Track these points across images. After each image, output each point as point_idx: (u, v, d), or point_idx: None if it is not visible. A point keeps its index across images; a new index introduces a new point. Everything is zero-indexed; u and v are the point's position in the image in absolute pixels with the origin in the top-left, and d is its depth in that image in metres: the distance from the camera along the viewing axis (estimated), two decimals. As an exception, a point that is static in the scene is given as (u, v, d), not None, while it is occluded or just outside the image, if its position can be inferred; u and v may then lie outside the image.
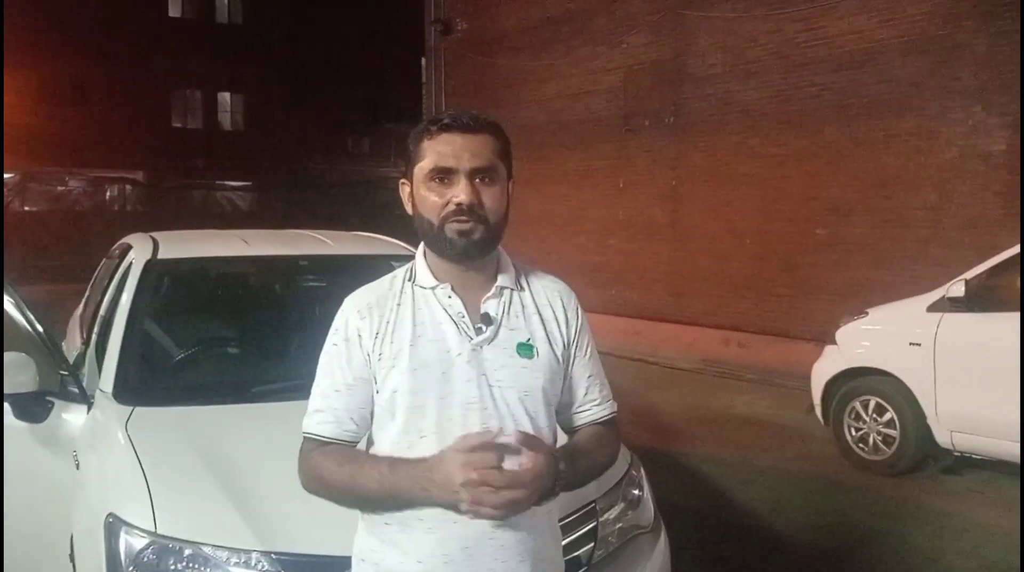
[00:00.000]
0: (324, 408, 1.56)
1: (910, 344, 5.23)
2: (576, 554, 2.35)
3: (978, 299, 4.93)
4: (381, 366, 1.52)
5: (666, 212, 10.61)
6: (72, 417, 2.84)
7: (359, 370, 1.54)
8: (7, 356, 2.81)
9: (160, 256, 3.36)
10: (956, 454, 5.19)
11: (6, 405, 2.81)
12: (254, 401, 2.77)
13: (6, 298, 2.96)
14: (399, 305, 1.56)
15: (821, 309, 8.46)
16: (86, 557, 2.28)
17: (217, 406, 2.76)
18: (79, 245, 17.48)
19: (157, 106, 27.92)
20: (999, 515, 4.73)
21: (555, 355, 1.58)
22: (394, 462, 1.47)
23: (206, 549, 2.11)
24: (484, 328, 1.54)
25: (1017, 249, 4.93)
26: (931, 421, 5.13)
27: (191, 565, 2.12)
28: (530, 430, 1.50)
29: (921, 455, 5.29)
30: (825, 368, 5.78)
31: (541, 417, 1.55)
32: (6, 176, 23.57)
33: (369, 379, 1.54)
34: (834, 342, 5.80)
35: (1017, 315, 4.80)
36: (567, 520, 2.32)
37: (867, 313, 5.68)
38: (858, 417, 5.52)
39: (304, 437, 1.58)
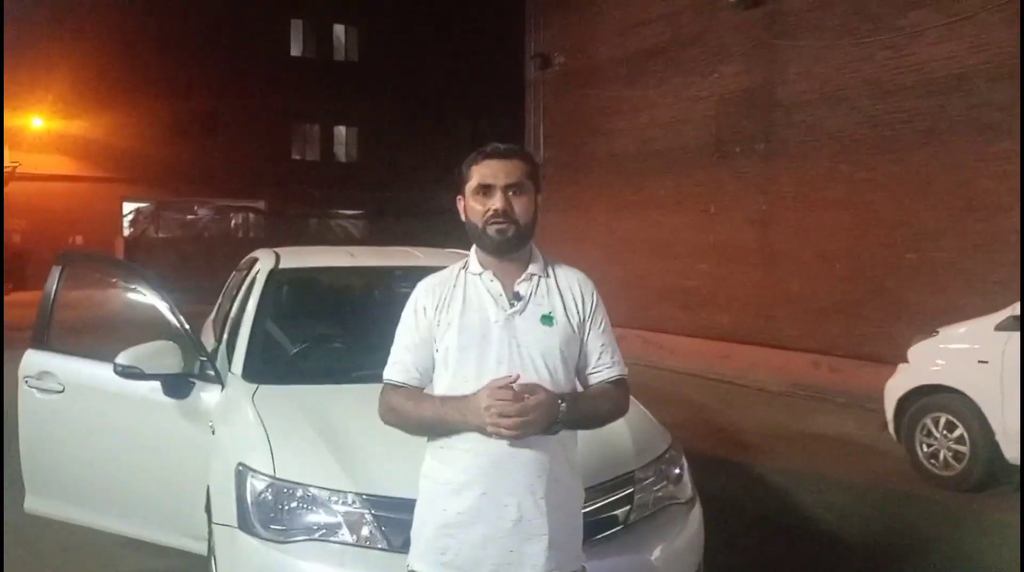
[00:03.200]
0: (398, 361, 2.10)
1: (978, 362, 5.37)
2: (614, 513, 2.78)
3: (1043, 318, 5.05)
4: (439, 330, 2.05)
5: (756, 236, 10.80)
6: (209, 395, 3.47)
7: (424, 333, 2.07)
8: (159, 343, 3.48)
9: (281, 266, 4.00)
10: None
11: (158, 383, 3.47)
12: (354, 383, 3.33)
13: (160, 297, 3.64)
14: (455, 286, 2.09)
15: (911, 333, 8.48)
16: (222, 500, 2.86)
17: (324, 385, 3.34)
18: (205, 268, 18.72)
19: (278, 139, 29.61)
20: (1066, 530, 4.81)
21: (571, 325, 2.07)
22: (444, 399, 2.02)
23: (311, 490, 2.66)
24: (516, 303, 2.05)
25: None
26: (999, 438, 5.25)
27: (300, 503, 2.67)
28: (548, 380, 1.99)
29: (990, 471, 5.38)
30: (897, 385, 5.94)
31: (559, 372, 2.03)
32: (143, 205, 25.68)
33: (430, 340, 2.07)
34: (906, 360, 5.96)
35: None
36: (607, 482, 2.76)
37: (938, 332, 5.84)
38: (929, 433, 5.67)
39: (384, 382, 2.10)
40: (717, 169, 11.23)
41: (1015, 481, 5.41)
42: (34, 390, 3.87)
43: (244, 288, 4.24)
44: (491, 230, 2.03)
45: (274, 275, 3.94)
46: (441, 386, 2.07)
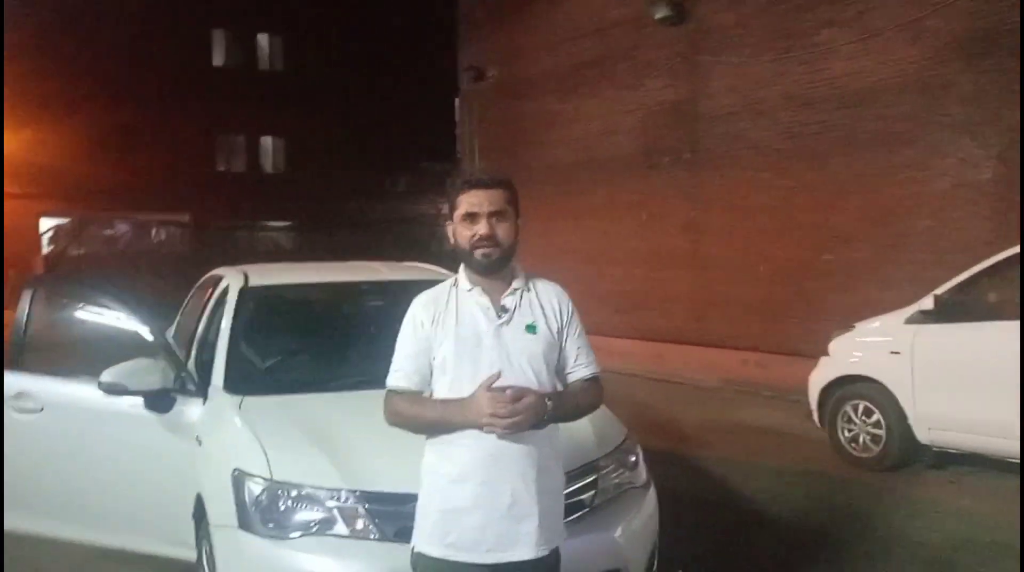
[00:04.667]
0: (400, 369, 2.38)
1: (891, 353, 5.90)
2: (581, 497, 3.11)
3: (946, 311, 5.60)
4: (436, 341, 2.34)
5: (687, 242, 11.33)
6: (190, 409, 3.68)
7: (422, 344, 2.36)
8: (140, 361, 3.67)
9: (251, 284, 4.21)
10: (935, 450, 5.83)
11: (137, 398, 3.66)
12: (334, 391, 3.59)
13: (138, 318, 3.83)
14: (447, 302, 2.39)
15: (830, 329, 9.07)
16: (219, 504, 3.08)
17: (306, 394, 3.59)
18: (127, 285, 18.33)
19: (203, 151, 29.11)
20: (971, 501, 5.36)
21: (552, 333, 2.39)
22: (445, 401, 2.32)
23: (307, 489, 2.91)
24: (503, 315, 2.35)
25: (977, 268, 5.61)
26: (911, 421, 5.78)
27: (297, 503, 2.92)
28: (534, 381, 2.30)
29: (905, 452, 5.92)
30: (819, 377, 6.46)
31: (543, 374, 2.35)
32: (62, 222, 25.01)
33: (428, 350, 2.36)
34: (827, 353, 6.48)
35: (981, 325, 5.48)
36: (574, 471, 3.09)
37: (854, 326, 6.37)
38: (849, 420, 6.18)
39: (388, 389, 2.38)
40: (648, 178, 11.73)
41: (927, 459, 5.95)
42: (11, 410, 4.00)
43: (211, 306, 4.44)
44: (478, 253, 2.34)
45: (245, 292, 4.15)
46: (441, 390, 2.36)
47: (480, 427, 2.22)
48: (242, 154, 31.59)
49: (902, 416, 5.83)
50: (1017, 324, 5.38)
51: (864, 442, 6.09)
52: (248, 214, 29.82)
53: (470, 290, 2.39)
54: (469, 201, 2.35)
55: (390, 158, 33.84)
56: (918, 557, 4.51)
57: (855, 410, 6.14)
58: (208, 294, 4.66)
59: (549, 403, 2.27)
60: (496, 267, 2.37)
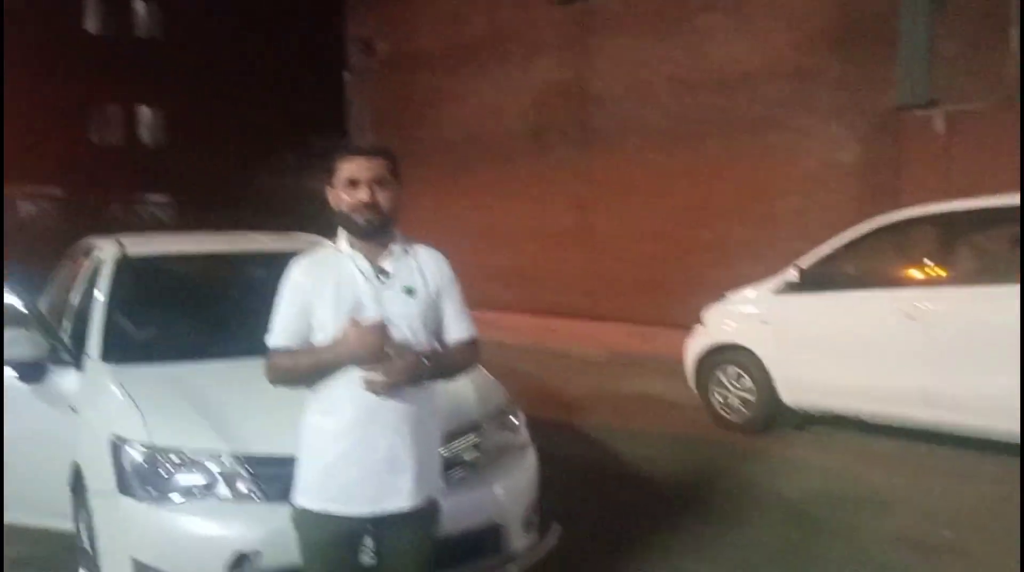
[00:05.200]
0: (280, 330, 2.42)
1: (760, 322, 6.27)
2: (463, 456, 3.22)
3: (809, 282, 6.00)
4: (316, 302, 2.38)
5: (575, 219, 11.63)
6: (64, 378, 3.59)
7: (301, 305, 2.41)
8: (11, 331, 3.56)
9: (128, 253, 4.12)
10: (799, 412, 6.25)
11: (10, 370, 3.55)
12: (212, 359, 3.58)
13: (8, 288, 3.69)
14: (328, 265, 2.44)
15: (708, 301, 9.54)
16: (98, 471, 3.04)
17: (184, 363, 3.55)
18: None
19: (75, 122, 27.67)
20: (832, 458, 5.79)
21: (430, 295, 2.47)
22: (318, 347, 2.38)
23: (187, 454, 2.92)
24: (383, 278, 2.42)
25: (837, 242, 6.04)
26: (777, 384, 6.18)
27: (177, 468, 2.92)
28: (412, 341, 2.38)
29: (772, 414, 6.31)
30: (695, 345, 6.79)
31: (421, 334, 2.43)
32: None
33: (308, 312, 2.40)
34: (702, 323, 6.82)
35: (840, 294, 5.91)
36: (457, 430, 3.20)
37: (727, 297, 6.72)
38: (722, 385, 6.54)
39: (270, 349, 2.41)
40: (539, 157, 11.94)
41: (792, 421, 6.37)
42: None
43: (83, 275, 4.31)
44: (359, 218, 2.39)
45: (120, 261, 4.06)
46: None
47: (361, 364, 2.28)
48: (118, 125, 30.14)
49: (769, 381, 6.21)
50: (872, 293, 5.85)
51: (735, 406, 6.45)
52: (125, 188, 28.54)
53: (350, 254, 2.44)
54: (350, 168, 2.40)
55: (277, 132, 32.95)
56: (780, 509, 4.85)
57: (727, 376, 6.50)
58: (80, 264, 4.51)
59: (427, 362, 2.36)
60: (377, 232, 2.43)
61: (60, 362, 3.60)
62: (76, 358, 3.61)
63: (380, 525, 2.41)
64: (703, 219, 9.98)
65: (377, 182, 2.40)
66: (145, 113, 30.29)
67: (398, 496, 2.38)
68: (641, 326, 10.69)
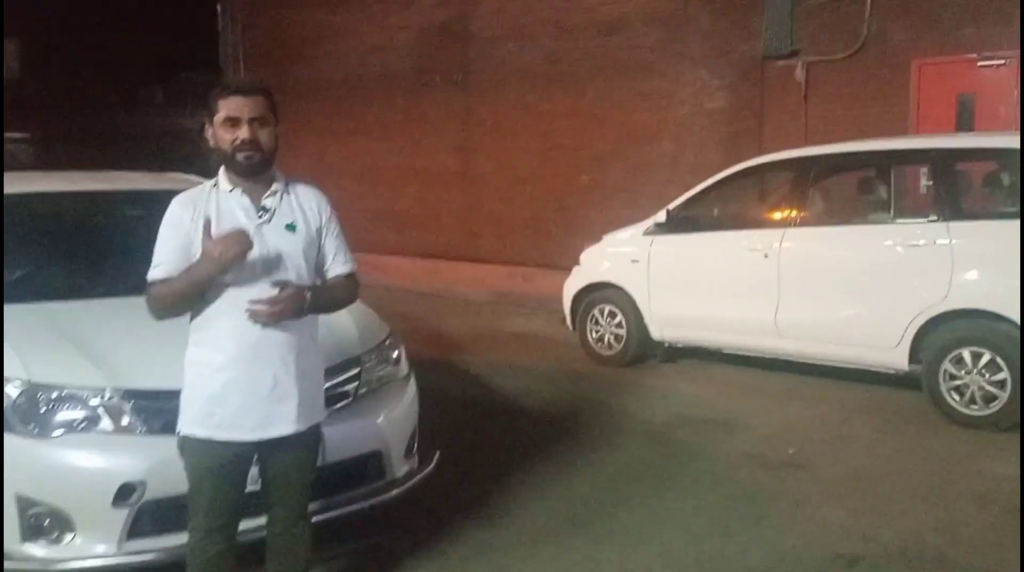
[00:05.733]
0: (160, 263, 2.49)
1: (632, 261, 6.62)
2: (345, 389, 3.38)
3: (676, 224, 6.37)
4: (197, 238, 2.45)
5: (458, 162, 11.69)
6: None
7: (182, 240, 2.48)
8: None
9: (-3, 191, 3.99)
10: (666, 345, 6.68)
11: None
12: (88, 298, 3.57)
13: None
14: (208, 201, 2.51)
15: (585, 245, 9.90)
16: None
17: (60, 302, 3.53)
18: None
19: (-83, 50, 25.43)
20: (693, 386, 6.24)
21: (311, 232, 2.58)
22: (189, 267, 2.44)
23: (68, 390, 2.95)
24: (264, 215, 2.51)
25: (702, 186, 6.42)
26: (647, 320, 6.57)
27: (58, 404, 2.95)
28: (294, 276, 2.49)
29: (642, 348, 6.71)
30: (572, 284, 7.11)
31: (303, 269, 2.55)
32: None
33: (188, 246, 2.47)
34: (579, 263, 7.13)
35: (704, 235, 6.32)
36: (339, 364, 3.34)
37: (603, 239, 7.04)
38: (597, 322, 6.89)
39: (149, 283, 2.48)
40: (420, 98, 11.89)
41: (660, 355, 6.80)
42: None
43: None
44: (240, 156, 2.46)
45: (-13, 200, 3.94)
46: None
47: (218, 270, 2.37)
48: (-38, 54, 27.82)
49: (639, 317, 6.60)
50: (731, 233, 6.28)
51: (608, 341, 6.83)
52: (-25, 124, 26.51)
53: (231, 191, 2.52)
54: (229, 106, 2.46)
55: (145, 66, 31.21)
56: (644, 432, 5.25)
57: (601, 313, 6.85)
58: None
59: (308, 294, 2.49)
60: (257, 170, 2.51)
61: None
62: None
63: (265, 450, 2.55)
64: (581, 163, 10.24)
65: (257, 120, 2.47)
66: (-4, 43, 28.06)
67: (282, 422, 2.52)
68: (521, 268, 10.93)
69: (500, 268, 11.15)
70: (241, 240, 2.36)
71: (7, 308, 3.34)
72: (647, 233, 6.57)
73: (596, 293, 6.91)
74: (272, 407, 2.50)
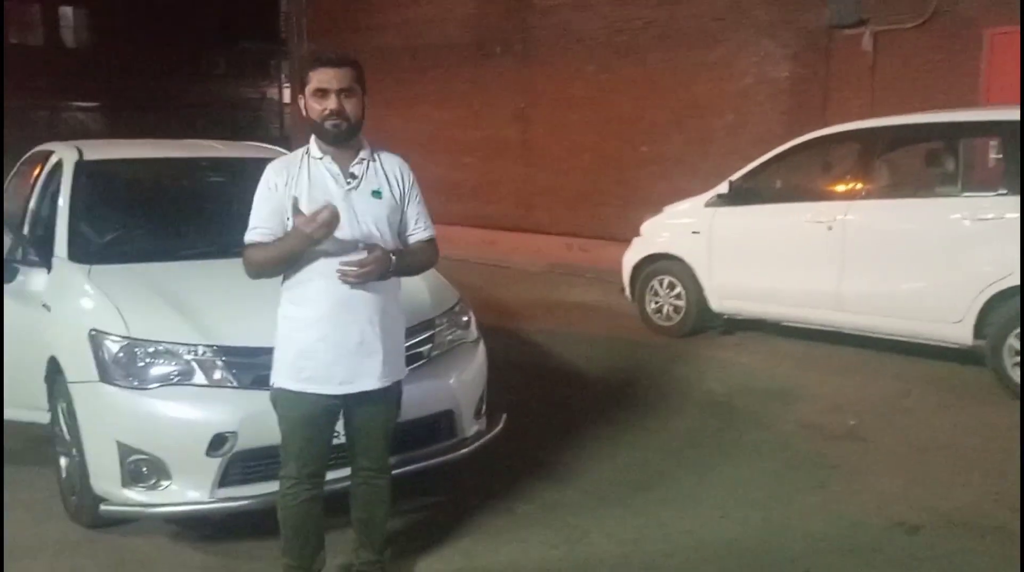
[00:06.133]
0: (255, 227, 2.65)
1: (692, 233, 6.65)
2: (420, 350, 3.52)
3: (738, 195, 6.37)
4: (290, 202, 2.60)
5: (516, 132, 11.76)
6: (35, 278, 3.75)
7: (276, 204, 2.64)
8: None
9: (87, 158, 4.22)
10: (725, 317, 6.71)
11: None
12: (180, 260, 3.78)
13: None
14: (300, 168, 2.66)
15: (645, 215, 9.91)
16: (78, 362, 3.24)
17: (152, 263, 3.74)
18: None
19: (-9, 21, 26.23)
20: (753, 358, 6.27)
21: (395, 198, 2.72)
22: (283, 237, 2.60)
23: (165, 345, 3.15)
24: (351, 181, 2.65)
25: (765, 157, 6.39)
26: (707, 291, 6.61)
27: (155, 358, 3.15)
28: (379, 240, 2.64)
29: (701, 319, 6.75)
30: (632, 255, 7.17)
31: (387, 234, 2.69)
32: None
33: (282, 211, 2.63)
34: (639, 234, 7.18)
35: (766, 207, 6.31)
36: (414, 327, 3.48)
37: (663, 210, 7.07)
38: (655, 293, 6.94)
39: (246, 244, 2.64)
40: (480, 68, 11.96)
41: (719, 326, 6.84)
42: None
43: (42, 181, 4.40)
44: (328, 125, 2.60)
45: (81, 166, 4.16)
46: None
47: (309, 243, 2.51)
48: (38, 25, 28.71)
49: (699, 288, 6.63)
50: (794, 205, 6.26)
51: (667, 312, 6.88)
52: (47, 93, 27.39)
53: (321, 158, 2.66)
54: (319, 78, 2.59)
55: (208, 36, 31.78)
56: (704, 401, 5.32)
57: (660, 284, 6.90)
58: (38, 170, 4.58)
59: (393, 258, 2.62)
60: (345, 138, 2.64)
61: (29, 263, 3.75)
62: (45, 259, 3.76)
63: (351, 403, 2.71)
64: (641, 134, 10.23)
65: (345, 91, 2.60)
66: (67, 13, 28.87)
67: (368, 377, 2.68)
68: (579, 238, 11.00)
69: (556, 239, 11.24)
70: (329, 219, 2.48)
71: (112, 268, 3.55)
72: (708, 205, 6.58)
73: (656, 264, 6.96)
74: (358, 363, 2.65)
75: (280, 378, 2.69)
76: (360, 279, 2.55)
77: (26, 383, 3.69)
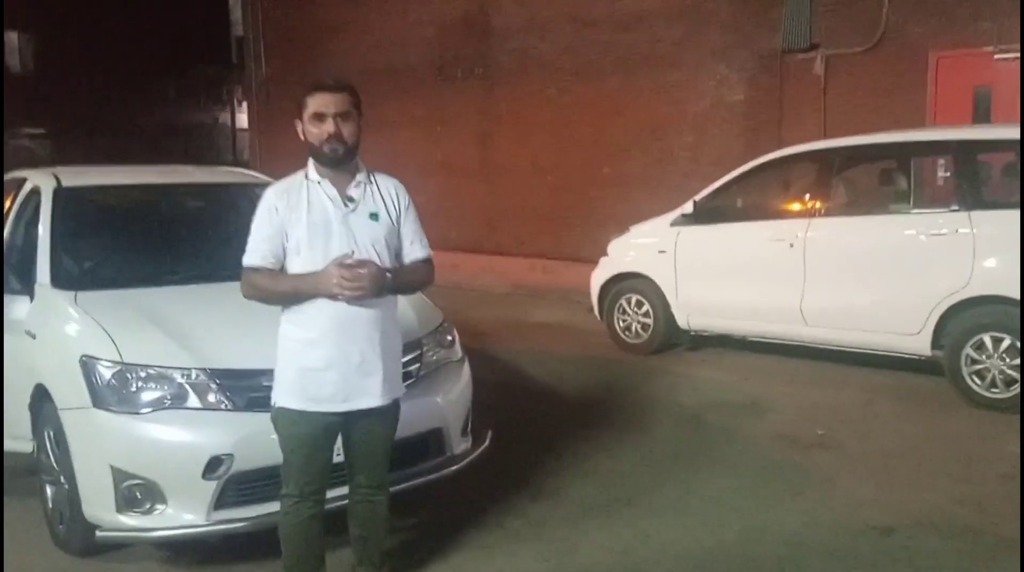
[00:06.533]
0: (256, 249, 2.70)
1: (658, 252, 6.81)
2: (408, 369, 3.57)
3: (702, 215, 6.56)
4: (290, 225, 2.67)
5: (478, 154, 11.89)
6: (16, 306, 3.72)
7: (276, 227, 2.69)
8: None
9: (65, 184, 4.21)
10: (692, 333, 6.87)
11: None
12: (165, 285, 3.79)
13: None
14: (300, 191, 2.72)
15: (608, 235, 10.07)
16: (68, 389, 3.24)
17: (138, 288, 3.74)
18: None
19: (-67, 46, 25.72)
20: (721, 373, 6.44)
21: (392, 220, 2.80)
22: (299, 275, 2.67)
23: (157, 369, 3.16)
24: (349, 204, 2.72)
25: (728, 178, 6.60)
26: (674, 309, 6.76)
27: (148, 382, 3.16)
28: (377, 260, 2.70)
29: (668, 335, 6.91)
30: (600, 275, 7.31)
31: (384, 254, 2.76)
32: None
33: (282, 233, 2.69)
34: (607, 254, 7.32)
35: (730, 225, 6.51)
36: (403, 346, 3.53)
37: (629, 230, 7.23)
38: (624, 311, 7.08)
39: (244, 267, 2.69)
40: (441, 91, 12.08)
41: (686, 343, 7.00)
42: None
43: (16, 208, 4.38)
44: (326, 149, 2.67)
45: (60, 193, 4.15)
46: (295, 268, 2.71)
47: (330, 296, 2.59)
48: (-14, 51, 28.07)
49: (666, 306, 6.79)
50: (757, 224, 6.46)
51: (636, 330, 7.02)
52: (-8, 119, 26.71)
53: (319, 182, 2.73)
54: (317, 103, 2.67)
55: (158, 60, 31.40)
56: (678, 415, 5.45)
57: (628, 302, 7.04)
58: (11, 196, 4.55)
59: (389, 275, 2.69)
60: (342, 162, 2.72)
61: (10, 290, 3.73)
62: (27, 286, 3.74)
63: (351, 420, 2.77)
64: (602, 155, 10.42)
65: (342, 115, 2.68)
66: (12, 38, 28.31)
67: (368, 395, 2.74)
68: (542, 260, 11.12)
69: (520, 260, 11.34)
70: (368, 285, 2.57)
71: (97, 294, 3.56)
72: (674, 224, 6.75)
73: (623, 283, 7.10)
74: (359, 381, 2.71)
75: (282, 397, 2.73)
76: (356, 294, 2.59)
77: (8, 411, 3.65)
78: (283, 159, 12.86)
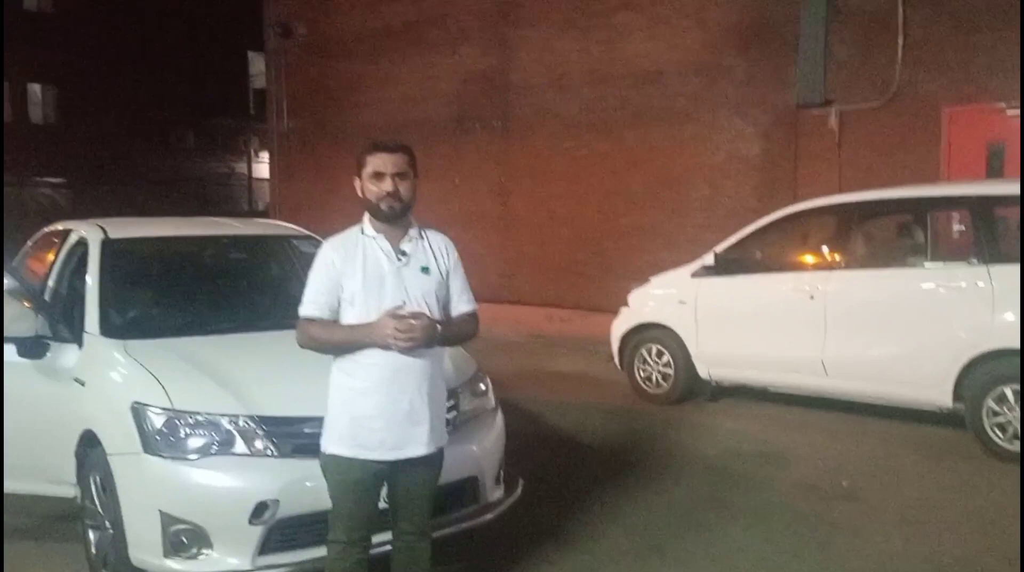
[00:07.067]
0: (312, 301, 2.82)
1: (679, 302, 6.91)
2: (446, 417, 3.65)
3: (723, 266, 6.67)
4: (346, 278, 2.79)
5: (496, 205, 12.10)
6: (65, 354, 3.84)
7: (333, 280, 2.82)
8: (10, 309, 3.79)
9: (112, 236, 4.36)
10: (713, 384, 6.93)
11: (10, 346, 3.78)
12: (212, 334, 3.91)
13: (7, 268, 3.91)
14: (356, 245, 2.85)
15: (625, 286, 10.18)
16: (118, 435, 3.34)
17: (185, 337, 3.86)
18: None
19: (-42, 98, 26.33)
20: (742, 423, 6.48)
21: (441, 274, 2.92)
22: (353, 326, 2.79)
23: (206, 416, 3.26)
24: (402, 258, 2.85)
25: (748, 230, 6.72)
26: (694, 359, 6.83)
27: (196, 429, 3.26)
28: (427, 312, 2.81)
29: (689, 387, 6.96)
30: (620, 325, 7.39)
31: (434, 307, 2.88)
32: None
33: (338, 286, 2.81)
34: (627, 304, 7.42)
35: (750, 277, 6.61)
36: (439, 396, 3.63)
37: (650, 280, 7.34)
38: (644, 361, 7.15)
39: (301, 317, 2.81)
40: (460, 143, 12.34)
41: (706, 393, 7.05)
42: None
43: (62, 259, 4.52)
44: (384, 206, 2.82)
45: (108, 245, 4.30)
46: (349, 319, 2.82)
47: (383, 346, 2.70)
48: (6, 102, 28.70)
49: (687, 356, 6.86)
50: (777, 276, 6.56)
51: (656, 380, 7.09)
52: (14, 169, 27.24)
53: (374, 237, 2.87)
54: (375, 162, 2.82)
55: (176, 112, 32.03)
56: (702, 465, 5.49)
57: (649, 353, 7.11)
58: (56, 248, 4.70)
59: (439, 327, 2.81)
60: (398, 218, 2.86)
61: (61, 339, 3.85)
62: (76, 335, 3.86)
63: (397, 468, 2.85)
64: (618, 207, 10.61)
65: (399, 175, 2.83)
66: (35, 90, 28.99)
67: (416, 444, 2.83)
68: (559, 309, 11.25)
69: (537, 310, 11.47)
70: (419, 337, 2.68)
71: (146, 342, 3.67)
72: (695, 275, 6.86)
73: (644, 333, 7.18)
74: (407, 430, 2.80)
75: (332, 444, 2.82)
76: (409, 345, 2.70)
77: (51, 457, 3.75)
78: (302, 209, 13.12)
